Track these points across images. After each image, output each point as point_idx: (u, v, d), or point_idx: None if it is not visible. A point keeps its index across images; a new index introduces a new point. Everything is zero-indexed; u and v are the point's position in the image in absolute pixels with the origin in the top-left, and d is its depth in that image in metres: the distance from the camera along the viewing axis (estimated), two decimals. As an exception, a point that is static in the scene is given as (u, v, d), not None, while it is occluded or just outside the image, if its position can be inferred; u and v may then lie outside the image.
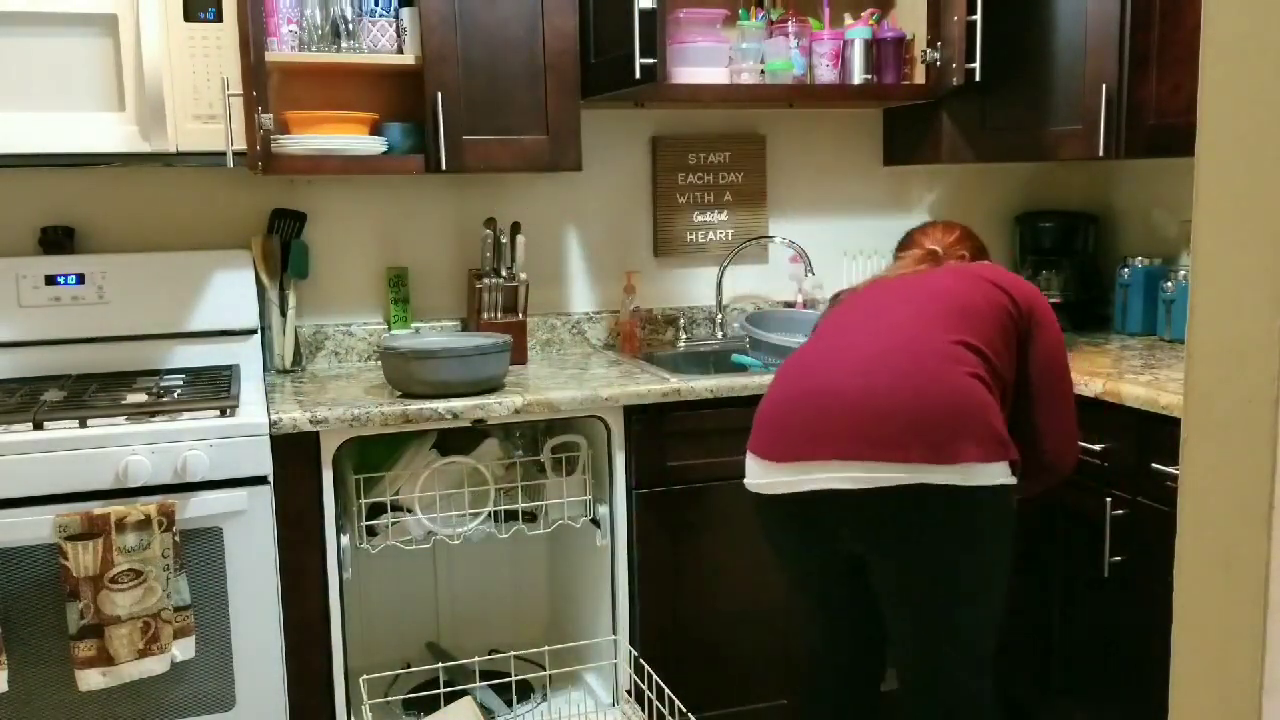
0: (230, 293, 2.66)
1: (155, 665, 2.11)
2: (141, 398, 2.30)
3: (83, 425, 2.14)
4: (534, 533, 2.57)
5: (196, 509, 2.17)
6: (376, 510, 2.44)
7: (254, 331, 2.68)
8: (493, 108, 2.61)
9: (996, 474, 1.85)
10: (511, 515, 2.54)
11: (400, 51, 2.64)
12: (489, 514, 2.48)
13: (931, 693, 1.97)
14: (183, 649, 2.15)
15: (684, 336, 3.11)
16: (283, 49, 2.58)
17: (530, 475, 2.56)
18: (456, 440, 2.50)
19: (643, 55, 2.45)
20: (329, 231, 2.86)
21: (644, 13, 2.43)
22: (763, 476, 1.95)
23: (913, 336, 1.94)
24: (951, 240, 2.26)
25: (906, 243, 2.33)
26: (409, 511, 2.41)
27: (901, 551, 1.89)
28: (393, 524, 2.42)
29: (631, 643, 2.54)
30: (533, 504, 2.54)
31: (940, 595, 1.91)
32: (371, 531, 2.43)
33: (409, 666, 2.73)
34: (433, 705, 2.50)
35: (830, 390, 1.90)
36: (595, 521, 2.55)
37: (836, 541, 1.95)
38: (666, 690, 2.33)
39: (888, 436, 1.83)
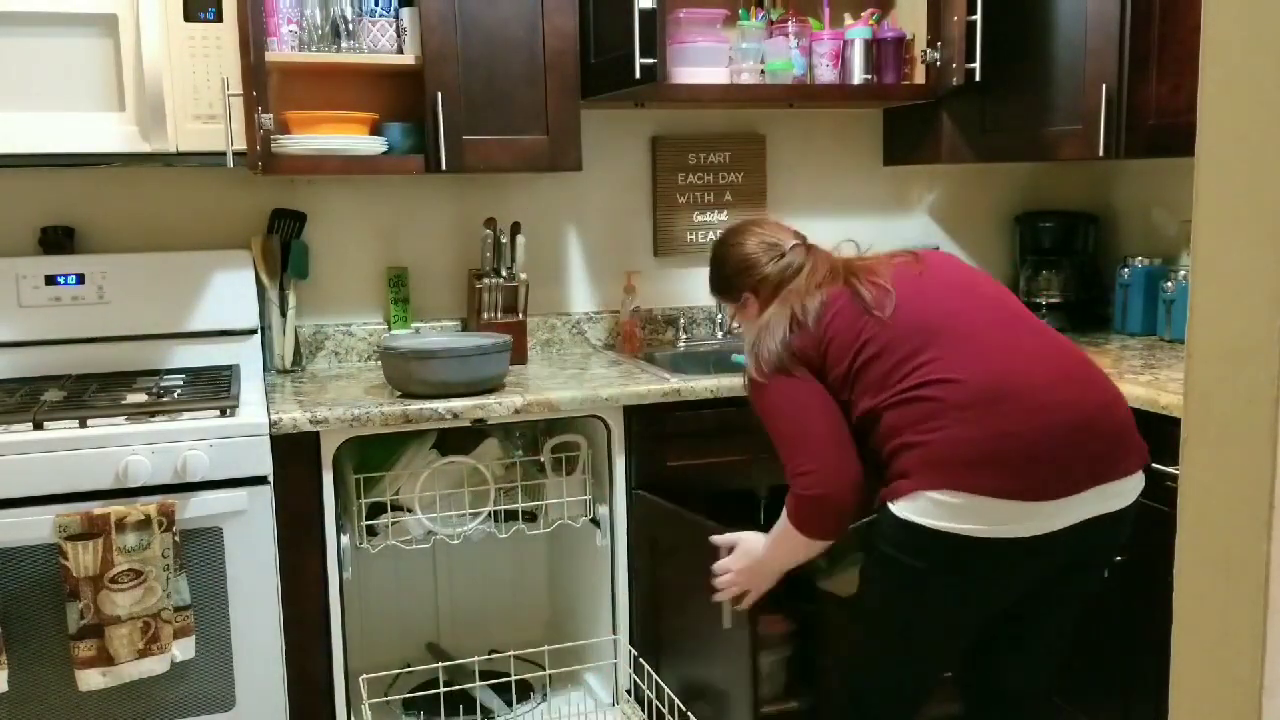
0: (230, 293, 2.66)
1: (155, 665, 2.11)
2: (141, 398, 2.30)
3: (83, 425, 2.14)
4: (534, 533, 2.56)
5: (196, 509, 2.17)
6: (376, 510, 2.43)
7: (254, 331, 2.68)
8: (493, 108, 2.61)
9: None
10: (511, 515, 2.53)
11: (400, 51, 2.64)
12: (489, 514, 2.47)
13: (1047, 697, 2.07)
14: (183, 649, 2.15)
15: (684, 336, 3.11)
16: (283, 49, 2.58)
17: (530, 475, 2.55)
18: (457, 440, 2.49)
19: (643, 55, 2.45)
20: (329, 231, 2.86)
21: (644, 13, 2.43)
22: (1025, 518, 1.72)
23: (1054, 338, 1.89)
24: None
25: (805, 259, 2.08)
26: (409, 511, 2.40)
27: (1102, 563, 1.91)
28: (392, 524, 2.41)
29: (631, 643, 2.54)
30: (533, 504, 2.53)
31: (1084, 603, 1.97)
32: (371, 531, 2.42)
33: (409, 666, 2.73)
34: (433, 705, 2.50)
35: (1059, 408, 1.74)
36: (595, 521, 2.55)
37: (1038, 575, 1.83)
38: (667, 690, 2.33)
39: (1115, 450, 1.78)
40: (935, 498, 1.72)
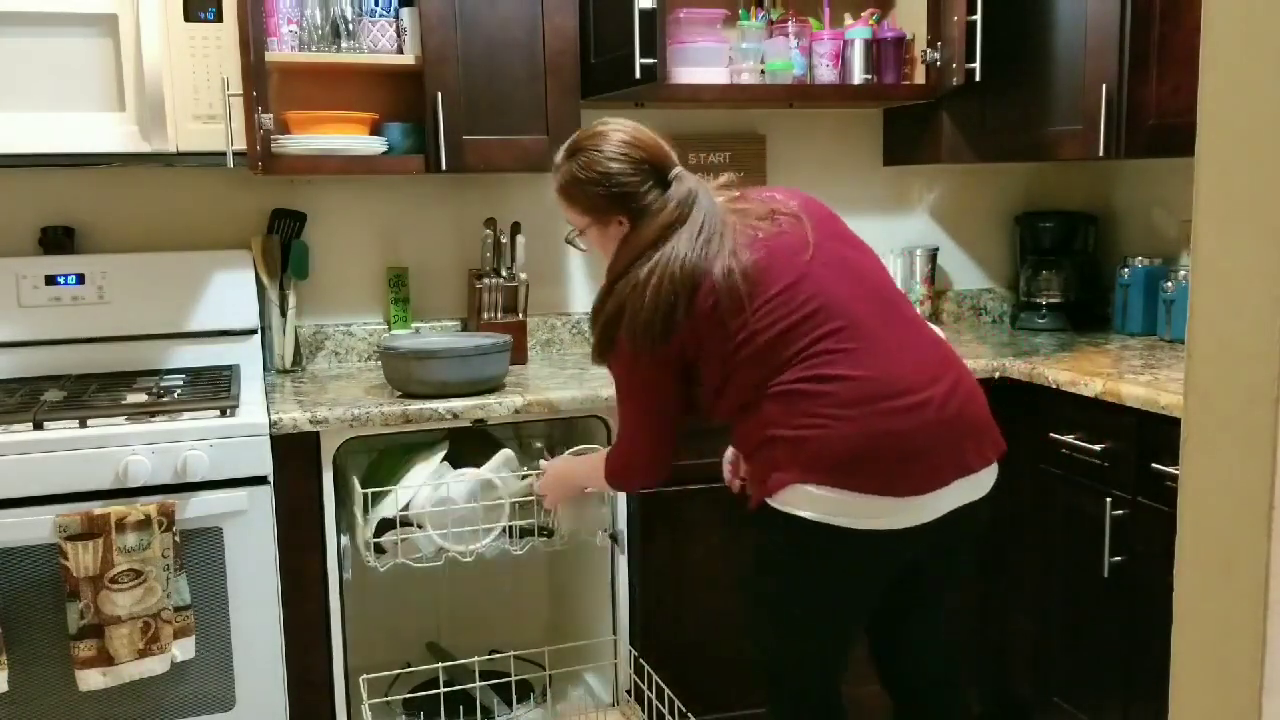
0: (230, 293, 2.66)
1: (155, 665, 2.11)
2: (141, 398, 2.30)
3: (83, 425, 2.14)
4: (550, 549, 2.46)
5: (196, 509, 2.17)
6: (384, 526, 2.29)
7: (254, 331, 2.68)
8: (493, 108, 2.61)
9: None
10: (527, 531, 2.38)
11: (400, 51, 2.64)
12: (503, 529, 2.34)
13: (957, 683, 2.13)
14: (183, 649, 2.15)
15: (684, 336, 3.11)
16: (283, 49, 2.58)
17: None
18: (469, 451, 2.43)
19: (643, 55, 2.46)
20: (329, 231, 2.86)
21: (644, 13, 2.43)
22: (897, 512, 1.79)
23: (924, 329, 1.93)
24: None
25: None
26: (419, 528, 2.28)
27: (966, 552, 2.00)
28: (402, 541, 2.28)
29: (631, 643, 2.54)
30: (550, 518, 2.38)
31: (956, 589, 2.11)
32: (379, 549, 2.29)
33: (409, 666, 2.73)
34: (433, 705, 2.50)
35: (928, 406, 1.80)
36: (614, 537, 2.47)
37: (910, 558, 1.91)
38: (666, 690, 2.33)
39: (978, 444, 1.86)
40: (811, 491, 1.78)
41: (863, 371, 1.79)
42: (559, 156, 1.98)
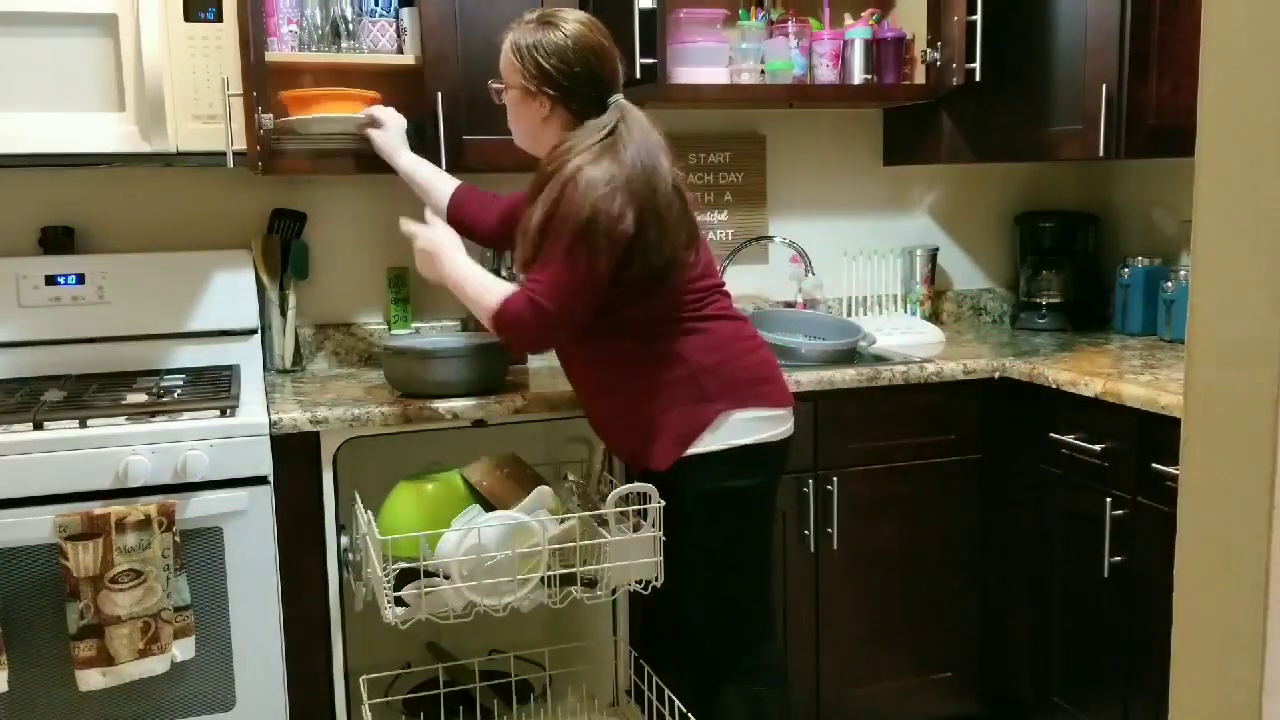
0: (230, 293, 2.66)
1: (155, 665, 2.11)
2: (142, 398, 2.30)
3: (83, 425, 2.14)
4: (593, 601, 2.18)
5: (196, 509, 2.17)
6: (406, 575, 2.05)
7: (254, 331, 2.68)
8: (493, 108, 2.60)
9: None
10: (566, 579, 2.11)
11: (400, 51, 2.64)
12: (540, 580, 2.06)
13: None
14: (183, 649, 2.15)
15: (684, 336, 3.11)
16: (283, 49, 2.58)
17: (588, 529, 2.15)
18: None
19: (643, 55, 2.46)
20: (329, 231, 2.86)
21: (644, 13, 2.43)
22: (787, 421, 2.17)
23: None
24: None
25: None
26: (445, 578, 2.03)
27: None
28: (426, 594, 2.03)
29: (631, 643, 2.54)
30: (593, 568, 2.11)
31: None
32: (400, 601, 2.04)
33: (409, 666, 2.73)
34: (433, 705, 2.50)
35: (763, 343, 2.22)
36: (657, 584, 2.17)
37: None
38: (666, 690, 2.33)
39: None
40: (741, 416, 2.08)
41: (734, 310, 2.18)
42: (529, 14, 2.09)
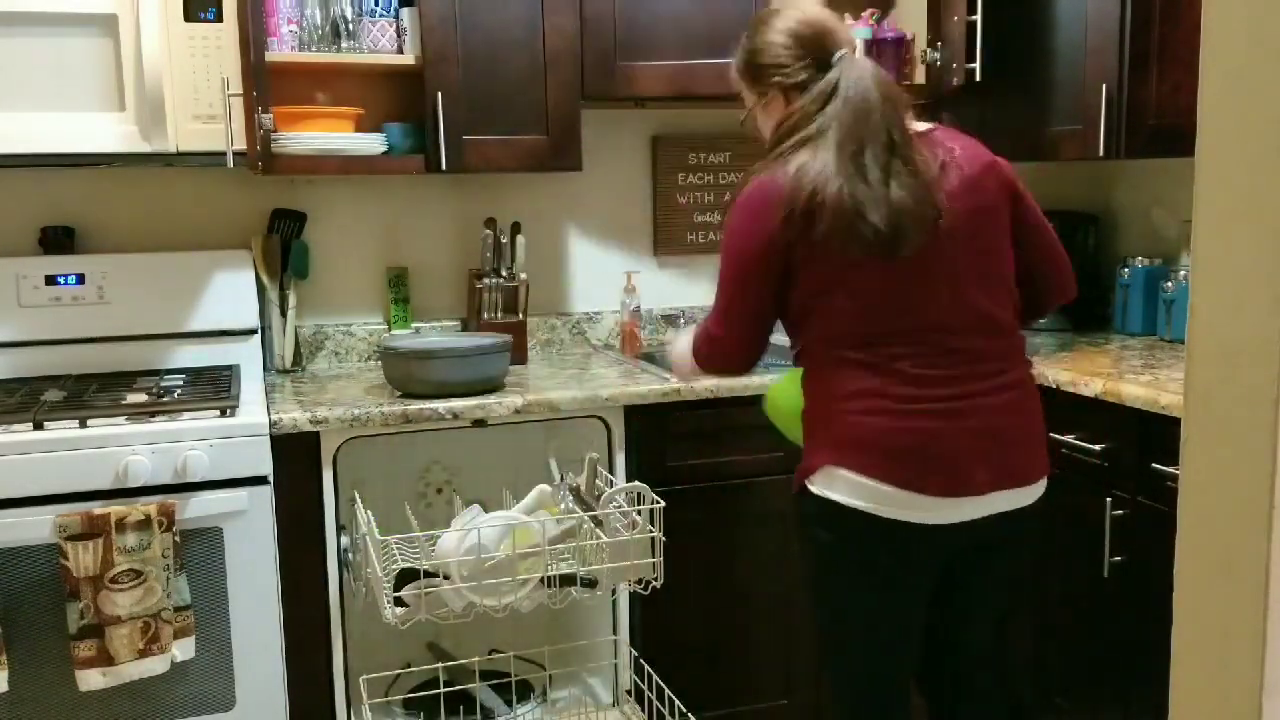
0: (230, 293, 2.66)
1: (155, 665, 2.11)
2: (141, 398, 2.30)
3: (83, 425, 2.14)
4: (593, 602, 2.20)
5: (196, 509, 2.17)
6: (406, 576, 2.06)
7: (254, 331, 2.68)
8: (493, 108, 2.61)
9: None
10: (566, 579, 2.11)
11: (400, 51, 2.64)
12: (540, 580, 2.07)
13: (1003, 695, 2.11)
14: (183, 649, 2.15)
15: (684, 336, 3.11)
16: (283, 49, 2.58)
17: (586, 530, 2.14)
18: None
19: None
20: (329, 231, 2.86)
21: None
22: (943, 509, 1.78)
23: (1005, 334, 1.88)
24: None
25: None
26: (445, 578, 2.03)
27: (1014, 564, 1.97)
28: (426, 594, 2.04)
29: (631, 643, 2.54)
30: (594, 568, 2.11)
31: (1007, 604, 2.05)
32: (399, 602, 2.05)
33: (409, 666, 2.73)
34: (433, 705, 2.50)
35: (970, 413, 1.79)
36: (656, 584, 2.18)
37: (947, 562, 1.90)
38: (666, 690, 2.33)
39: (1023, 454, 1.84)
40: (847, 476, 1.77)
41: (921, 371, 1.77)
42: (745, 32, 1.99)
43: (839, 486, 1.79)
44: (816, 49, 1.87)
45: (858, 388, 1.78)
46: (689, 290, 3.16)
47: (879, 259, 1.75)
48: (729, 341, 1.91)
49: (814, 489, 1.82)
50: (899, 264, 1.76)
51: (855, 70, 1.83)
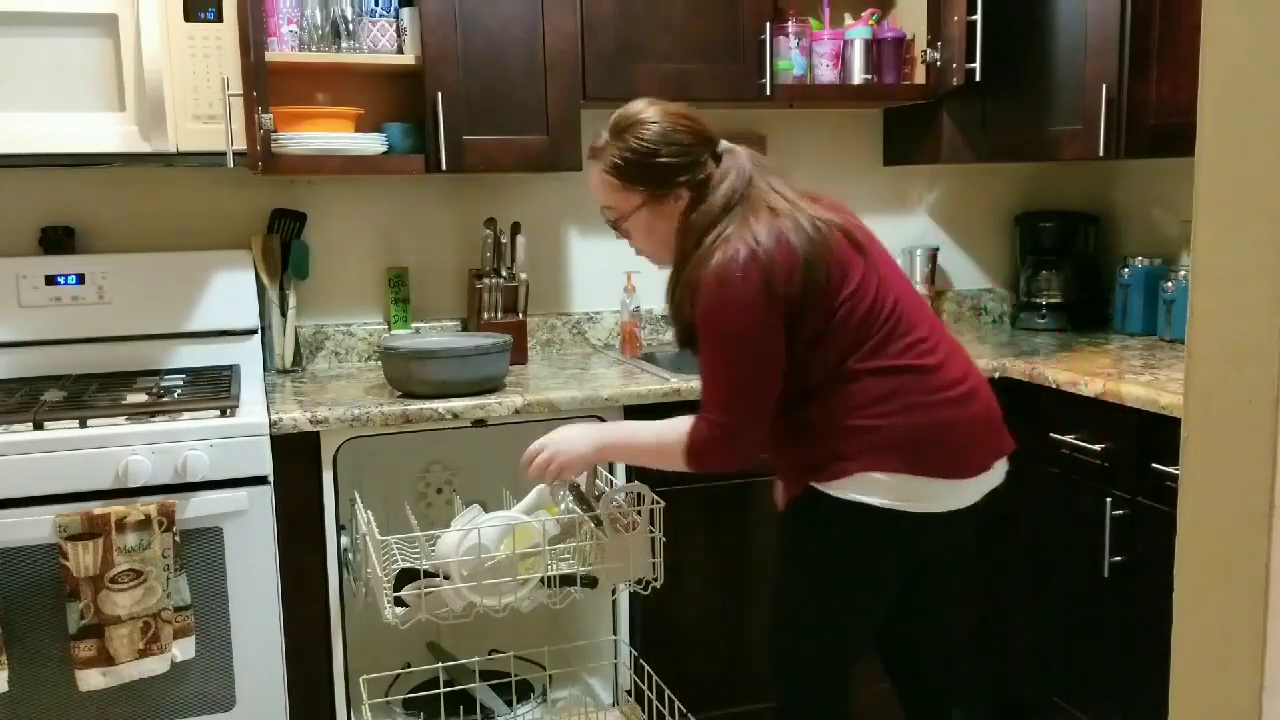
0: (230, 293, 2.66)
1: (155, 665, 2.11)
2: (142, 398, 2.30)
3: (83, 425, 2.14)
4: (594, 602, 2.21)
5: (197, 509, 2.17)
6: (406, 576, 2.05)
7: (254, 331, 2.68)
8: (493, 108, 2.61)
9: None
10: (567, 579, 2.10)
11: (400, 51, 2.64)
12: (540, 580, 2.07)
13: (958, 679, 2.17)
14: (183, 649, 2.15)
15: (684, 336, 3.11)
16: (283, 49, 2.58)
17: (588, 530, 2.13)
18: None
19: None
20: (329, 231, 2.86)
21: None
22: (948, 495, 1.86)
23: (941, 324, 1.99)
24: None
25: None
26: (445, 578, 2.02)
27: (972, 541, 2.05)
28: (426, 594, 2.03)
29: (631, 643, 2.54)
30: (594, 568, 2.09)
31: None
32: (400, 602, 2.04)
33: (409, 666, 2.73)
34: (433, 705, 2.50)
35: (973, 396, 1.89)
36: (656, 584, 2.17)
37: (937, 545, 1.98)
38: (666, 690, 2.33)
39: (1001, 431, 1.95)
40: (880, 478, 1.81)
41: (928, 361, 1.85)
42: (600, 139, 1.91)
43: (872, 489, 1.81)
44: (706, 142, 1.89)
45: (879, 393, 1.82)
46: (689, 290, 3.15)
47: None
48: (748, 426, 1.85)
49: (835, 493, 1.83)
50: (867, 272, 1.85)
51: (736, 157, 1.90)
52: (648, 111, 1.88)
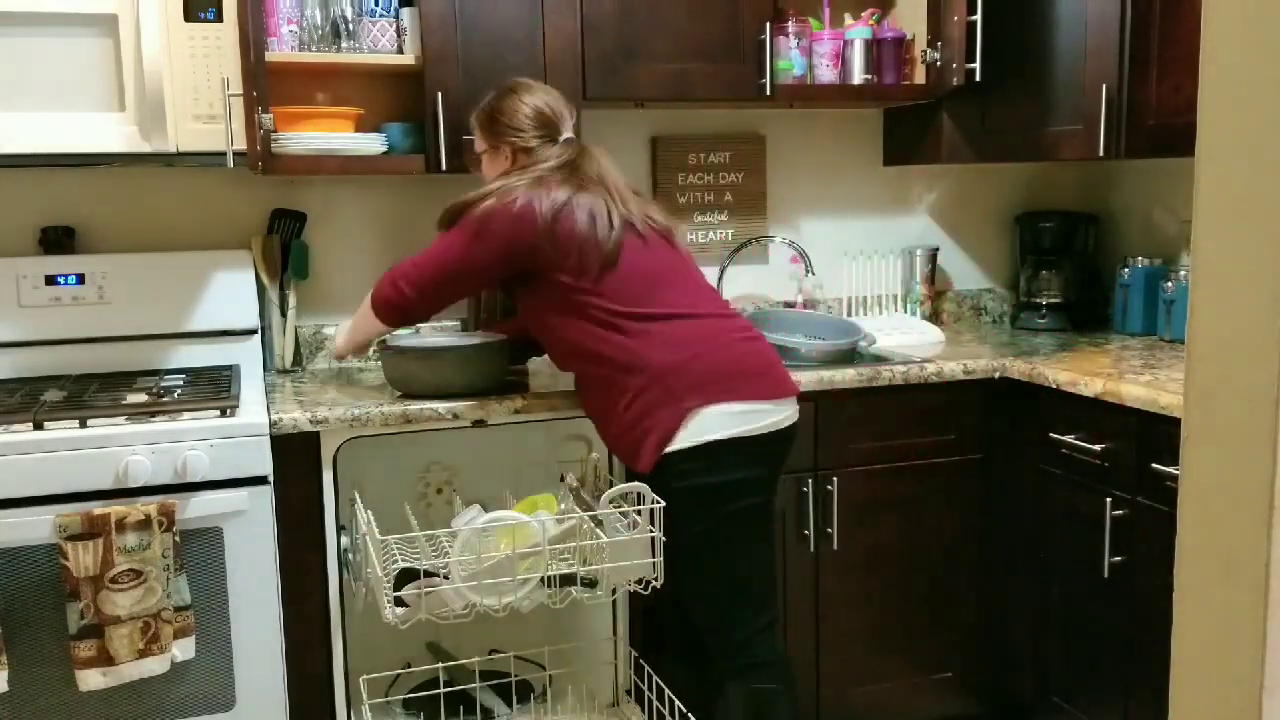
0: (230, 293, 2.66)
1: (155, 665, 2.11)
2: (142, 398, 2.30)
3: (83, 425, 2.14)
4: (593, 601, 2.22)
5: (197, 509, 2.17)
6: (406, 576, 2.06)
7: (254, 331, 2.68)
8: (493, 108, 2.60)
9: None
10: (566, 579, 2.10)
11: (400, 51, 2.64)
12: (541, 580, 2.07)
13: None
14: (183, 649, 2.15)
15: (684, 336, 3.11)
16: (283, 49, 2.58)
17: (588, 530, 2.12)
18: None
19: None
20: (329, 231, 2.86)
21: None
22: (773, 414, 2.15)
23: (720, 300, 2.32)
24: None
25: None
26: (445, 578, 2.04)
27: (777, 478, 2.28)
28: (426, 594, 2.04)
29: (631, 643, 2.54)
30: (593, 568, 2.09)
31: None
32: (400, 602, 2.05)
33: (409, 666, 2.73)
34: (433, 705, 2.50)
35: (755, 338, 2.23)
36: (656, 584, 2.16)
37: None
38: (667, 690, 2.33)
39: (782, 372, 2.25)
40: (716, 411, 2.10)
41: (706, 310, 2.21)
42: (492, 94, 2.37)
43: (711, 425, 2.09)
44: (546, 127, 2.32)
45: (682, 336, 2.15)
46: (689, 290, 3.15)
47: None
48: (420, 310, 2.34)
49: (679, 445, 2.09)
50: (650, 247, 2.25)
51: (572, 147, 2.31)
52: (524, 87, 2.35)
